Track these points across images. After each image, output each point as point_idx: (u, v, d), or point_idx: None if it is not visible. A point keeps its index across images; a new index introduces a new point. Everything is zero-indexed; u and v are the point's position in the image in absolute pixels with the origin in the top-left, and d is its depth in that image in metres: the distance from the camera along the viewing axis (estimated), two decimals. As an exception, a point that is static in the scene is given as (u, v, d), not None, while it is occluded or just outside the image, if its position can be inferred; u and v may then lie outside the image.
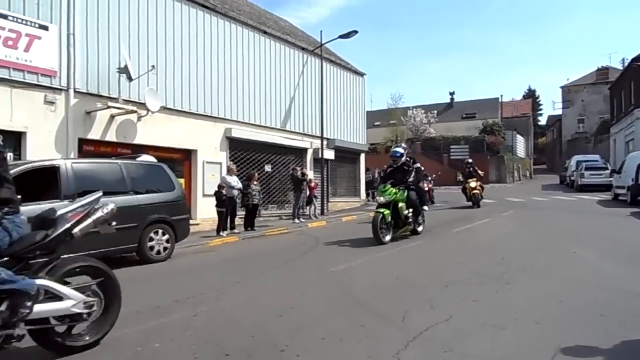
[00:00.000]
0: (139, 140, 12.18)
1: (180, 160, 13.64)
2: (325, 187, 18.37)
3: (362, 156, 22.99)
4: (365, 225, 13.58)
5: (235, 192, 12.59)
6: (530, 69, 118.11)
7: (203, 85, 14.13)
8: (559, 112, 58.02)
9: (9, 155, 9.94)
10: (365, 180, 22.97)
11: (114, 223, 4.24)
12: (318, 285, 6.30)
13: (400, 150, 10.34)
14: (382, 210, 9.34)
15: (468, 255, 8.09)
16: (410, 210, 9.94)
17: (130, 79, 11.51)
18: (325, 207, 17.88)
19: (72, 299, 3.62)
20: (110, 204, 4.11)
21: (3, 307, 3.21)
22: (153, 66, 12.20)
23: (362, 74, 22.92)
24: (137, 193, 8.60)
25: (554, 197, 22.46)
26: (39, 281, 3.45)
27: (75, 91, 10.86)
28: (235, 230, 12.55)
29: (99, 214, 3.96)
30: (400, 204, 9.68)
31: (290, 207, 16.31)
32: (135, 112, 11.83)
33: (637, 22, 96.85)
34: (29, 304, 3.31)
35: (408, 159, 10.45)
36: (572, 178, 28.72)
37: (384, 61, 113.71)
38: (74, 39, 10.80)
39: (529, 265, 6.90)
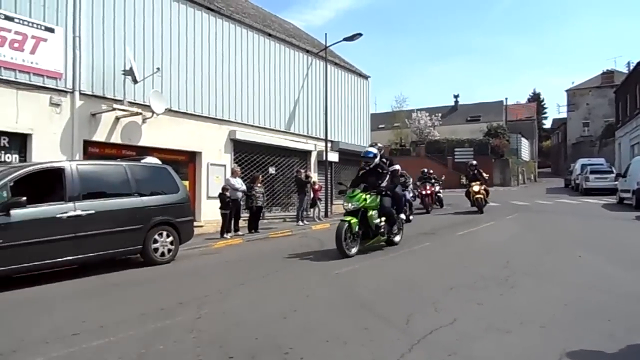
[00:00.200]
0: (143, 142, 12.21)
1: (185, 162, 13.67)
2: (329, 189, 18.37)
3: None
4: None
5: (239, 195, 12.59)
6: (535, 72, 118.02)
7: (208, 87, 14.16)
8: (564, 115, 57.83)
9: (15, 158, 10.01)
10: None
11: None
12: (322, 287, 6.28)
13: (373, 150, 9.23)
14: (348, 218, 8.31)
15: (472, 259, 8.07)
16: (383, 219, 8.85)
17: (135, 81, 11.55)
18: (329, 210, 17.88)
19: None
20: None
21: None
22: (158, 68, 12.24)
23: (366, 77, 22.92)
24: (141, 195, 8.61)
25: (558, 200, 22.36)
26: None
27: (80, 93, 10.91)
28: (239, 233, 12.55)
29: None
30: (371, 212, 8.61)
31: (294, 210, 16.31)
32: (140, 114, 11.87)
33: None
34: None
35: (384, 160, 9.41)
36: (577, 181, 28.60)
37: (388, 64, 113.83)
38: (79, 41, 10.86)
39: (534, 269, 6.88)
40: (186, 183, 12.57)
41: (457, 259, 8.11)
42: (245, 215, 13.36)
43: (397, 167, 9.76)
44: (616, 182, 20.60)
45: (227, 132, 14.76)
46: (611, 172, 25.70)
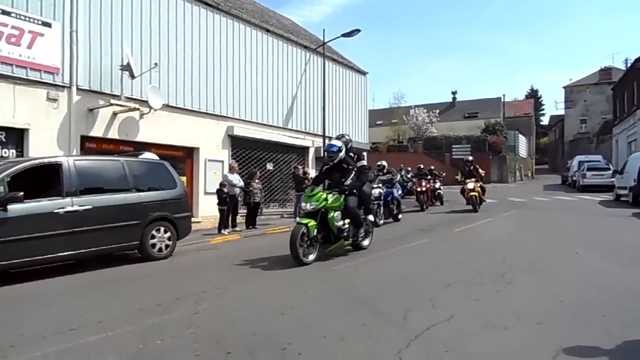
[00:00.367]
0: (141, 137, 12.19)
1: (182, 158, 13.65)
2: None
3: (364, 155, 22.95)
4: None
5: (237, 190, 12.59)
6: (532, 68, 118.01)
7: (205, 83, 14.13)
8: (562, 112, 57.97)
9: (12, 153, 9.98)
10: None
11: None
12: (320, 283, 6.30)
13: (337, 143, 8.17)
14: (305, 221, 7.42)
15: (469, 255, 8.09)
16: (347, 221, 8.03)
17: (132, 76, 11.52)
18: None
19: None
20: None
21: None
22: (155, 64, 12.20)
23: (364, 73, 22.90)
24: (139, 190, 8.60)
25: (555, 197, 22.42)
26: None
27: (77, 88, 10.87)
28: (237, 229, 12.56)
29: None
30: (333, 213, 7.75)
31: (292, 206, 16.31)
32: (138, 109, 11.84)
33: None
34: None
35: (351, 155, 8.53)
36: (574, 178, 28.68)
37: (386, 60, 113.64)
38: (76, 36, 10.81)
39: (531, 266, 6.90)
40: (184, 179, 12.56)
41: (454, 256, 8.13)
42: (242, 211, 13.36)
43: (365, 163, 8.89)
44: (613, 179, 20.66)
45: (225, 128, 14.74)
46: (608, 169, 25.77)
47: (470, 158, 17.54)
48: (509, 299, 5.12)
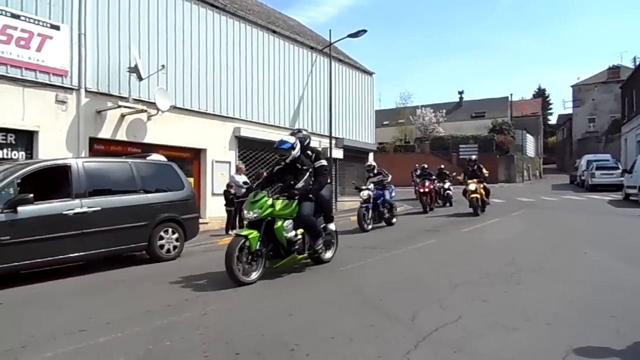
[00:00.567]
0: (149, 139, 12.24)
1: (190, 159, 13.69)
2: (333, 186, 18.36)
3: (371, 155, 22.94)
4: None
5: (244, 191, 12.60)
6: (540, 67, 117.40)
7: (212, 84, 14.17)
8: (570, 111, 57.61)
9: (21, 155, 10.06)
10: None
11: None
12: (327, 284, 6.31)
13: (289, 140, 7.03)
14: (245, 232, 6.32)
15: (478, 255, 8.07)
16: (300, 231, 6.93)
17: (140, 78, 11.57)
18: (333, 206, 17.86)
19: None
20: None
21: None
22: (163, 66, 12.25)
23: (370, 73, 22.87)
24: (147, 192, 8.64)
25: (564, 197, 22.29)
26: None
27: (86, 90, 10.94)
28: (244, 229, 12.57)
29: None
30: (281, 222, 6.61)
31: (299, 206, 16.30)
32: (145, 111, 11.89)
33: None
34: None
35: (309, 153, 7.35)
36: (583, 178, 28.51)
37: (393, 60, 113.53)
38: (85, 38, 10.87)
39: (539, 266, 6.87)
40: (191, 180, 12.59)
41: (462, 256, 8.11)
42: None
43: (324, 163, 7.41)
44: (622, 178, 20.53)
45: (232, 129, 14.77)
46: (617, 168, 25.59)
47: (474, 157, 16.54)
48: (518, 300, 5.10)
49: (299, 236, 6.88)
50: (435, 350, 3.67)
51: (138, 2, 12.09)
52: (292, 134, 7.51)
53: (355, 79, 21.60)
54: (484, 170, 15.77)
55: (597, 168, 26.13)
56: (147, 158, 9.54)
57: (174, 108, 12.65)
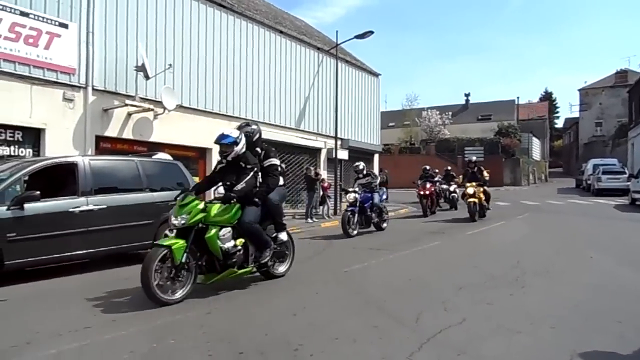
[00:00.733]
0: (155, 138, 12.29)
1: (195, 158, 13.73)
2: (338, 187, 18.35)
3: (376, 157, 22.95)
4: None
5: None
6: (547, 71, 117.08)
7: (219, 84, 14.21)
8: (576, 115, 57.39)
9: (29, 152, 10.12)
10: (379, 181, 22.89)
11: None
12: (331, 285, 6.30)
13: (232, 134, 6.07)
14: (168, 242, 5.37)
15: (482, 258, 8.05)
16: (241, 241, 5.90)
17: (147, 77, 11.62)
18: (338, 207, 17.86)
19: None
20: None
21: None
22: (170, 65, 12.30)
23: (377, 75, 22.87)
24: (152, 190, 8.65)
25: (570, 200, 22.20)
26: None
27: (93, 89, 11.00)
28: (249, 229, 12.56)
29: None
30: (215, 231, 5.59)
31: (304, 207, 16.33)
32: (152, 110, 11.94)
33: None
34: None
35: (258, 150, 6.43)
36: (589, 182, 28.39)
37: (399, 62, 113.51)
38: (92, 37, 10.94)
39: (544, 269, 6.84)
40: (196, 179, 12.60)
41: (466, 259, 8.09)
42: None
43: (275, 161, 6.37)
44: (629, 183, 20.40)
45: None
46: (624, 172, 25.45)
47: (474, 158, 15.58)
48: (523, 303, 5.08)
49: (239, 247, 5.85)
50: (439, 353, 3.66)
51: (146, 1, 12.15)
52: (239, 127, 6.55)
53: (361, 80, 21.60)
54: (485, 173, 14.99)
55: (604, 172, 26.00)
56: (153, 157, 9.57)
57: (180, 107, 12.70)
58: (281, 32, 16.86)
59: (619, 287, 5.78)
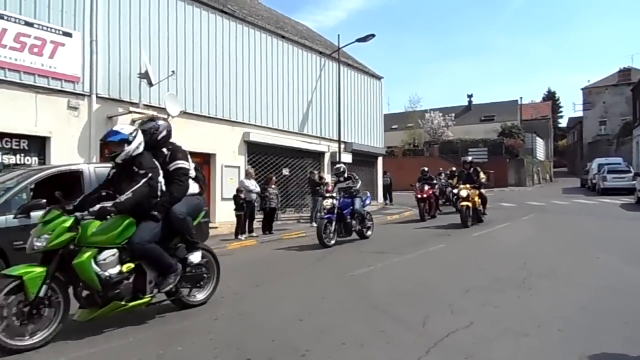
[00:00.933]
0: (159, 144, 12.31)
1: (200, 164, 13.64)
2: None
3: (380, 159, 22.95)
4: (384, 228, 13.57)
5: (254, 196, 12.65)
6: (549, 70, 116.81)
7: (222, 89, 14.26)
8: (580, 114, 57.15)
9: (34, 160, 10.17)
10: (382, 184, 22.93)
11: None
12: (337, 289, 6.30)
13: (124, 131, 4.89)
14: (19, 271, 4.20)
15: (488, 260, 8.03)
16: (129, 266, 4.69)
17: (150, 84, 11.67)
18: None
19: None
20: None
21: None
22: (173, 71, 12.36)
23: (379, 77, 22.89)
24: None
25: (575, 200, 22.11)
26: None
27: (97, 96, 11.06)
28: (254, 234, 12.61)
29: None
30: (88, 255, 4.40)
31: (308, 211, 16.34)
32: (156, 116, 11.99)
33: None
34: None
35: (165, 151, 5.27)
36: (594, 181, 28.25)
37: (402, 64, 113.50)
38: (96, 45, 11.01)
39: (551, 271, 6.82)
40: (201, 185, 12.65)
41: (472, 261, 8.08)
42: (259, 216, 13.42)
43: (183, 164, 5.20)
44: (634, 182, 20.32)
45: (241, 134, 14.84)
46: (629, 171, 25.36)
47: (469, 159, 14.39)
48: (529, 305, 5.07)
49: (126, 273, 4.65)
50: (447, 356, 3.66)
51: (148, 9, 12.21)
52: (141, 123, 5.58)
53: (363, 83, 21.63)
54: (482, 175, 13.72)
55: (609, 171, 25.89)
56: (158, 163, 9.60)
57: (184, 113, 12.74)
58: (283, 36, 16.91)
59: (626, 288, 5.75)
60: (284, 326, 4.61)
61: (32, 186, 7.26)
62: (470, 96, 52.38)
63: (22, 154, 10.05)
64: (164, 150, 5.25)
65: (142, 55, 11.72)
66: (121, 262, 4.63)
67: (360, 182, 11.78)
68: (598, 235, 10.97)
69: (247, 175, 13.13)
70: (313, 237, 11.96)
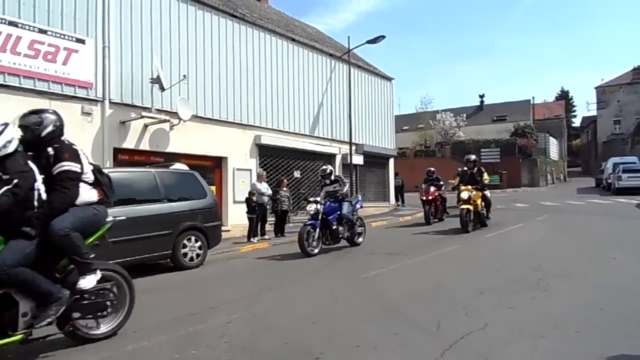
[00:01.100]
0: (171, 148, 12.42)
1: (211, 167, 13.84)
2: (354, 192, 18.34)
3: (391, 161, 22.88)
4: (395, 231, 13.53)
5: (265, 199, 12.68)
6: (562, 70, 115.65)
7: (233, 93, 14.32)
8: (594, 113, 56.48)
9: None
10: (394, 185, 22.86)
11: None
12: (350, 292, 6.28)
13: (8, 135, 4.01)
14: None
15: (502, 261, 7.95)
16: None
17: (162, 88, 11.76)
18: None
19: None
20: None
21: None
22: (184, 76, 12.44)
23: (390, 79, 22.84)
24: (170, 201, 8.76)
25: (589, 200, 21.84)
26: None
27: (110, 102, 11.17)
28: (266, 237, 12.63)
29: None
30: None
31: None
32: (168, 121, 12.08)
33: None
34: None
35: (50, 151, 4.27)
36: (609, 181, 27.89)
37: (412, 65, 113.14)
38: (109, 51, 11.12)
39: (566, 272, 6.74)
40: (213, 188, 12.72)
41: (486, 262, 8.01)
42: (271, 219, 13.45)
43: (69, 166, 4.24)
44: (650, 181, 20.03)
45: (253, 137, 14.89)
46: (645, 170, 25.01)
47: (473, 157, 12.97)
48: (545, 307, 5.00)
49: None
50: (462, 359, 3.63)
51: (159, 14, 12.32)
52: (21, 117, 4.41)
53: (374, 84, 21.59)
54: (485, 175, 12.61)
55: (624, 171, 25.55)
56: (170, 167, 9.69)
57: (196, 117, 12.82)
58: (293, 39, 16.95)
59: (644, 289, 5.66)
60: (297, 328, 4.61)
61: (47, 191, 7.33)
62: (482, 96, 52.13)
63: (37, 160, 10.17)
64: (49, 149, 4.24)
65: (154, 60, 11.82)
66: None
67: (347, 185, 10.97)
68: (614, 235, 10.81)
69: (259, 178, 13.16)
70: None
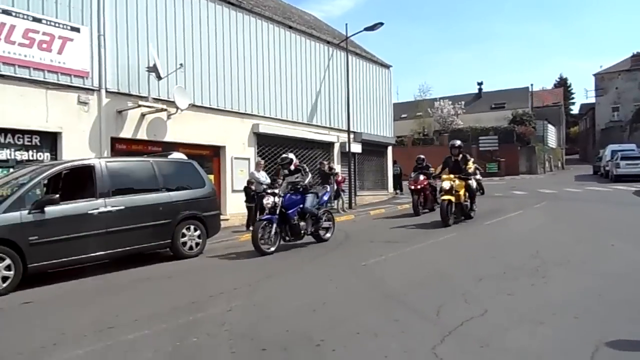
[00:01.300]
0: (169, 137, 12.36)
1: (210, 156, 13.79)
2: (352, 180, 18.33)
3: (389, 149, 22.84)
4: (393, 219, 13.55)
5: (264, 187, 12.66)
6: (560, 57, 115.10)
7: (230, 81, 14.23)
8: (592, 100, 56.33)
9: (46, 156, 10.26)
10: (392, 173, 22.86)
11: None
12: (350, 279, 6.30)
13: None
14: None
15: (501, 249, 7.98)
16: None
17: (159, 77, 11.67)
18: (353, 201, 17.85)
19: None
20: None
21: None
22: (181, 64, 12.34)
23: (388, 66, 22.72)
24: (169, 190, 8.74)
25: (588, 188, 21.89)
26: None
27: (106, 91, 11.08)
28: (265, 225, 12.62)
29: None
30: None
31: (318, 202, 16.31)
32: (165, 110, 12.01)
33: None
34: None
35: None
36: (607, 168, 27.93)
37: (410, 52, 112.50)
38: (104, 39, 11.01)
39: (565, 259, 6.76)
40: (211, 177, 12.69)
41: (485, 249, 8.03)
42: (270, 208, 13.43)
43: None
44: (648, 168, 20.07)
45: (250, 126, 14.83)
46: (643, 157, 25.04)
47: (458, 143, 11.84)
48: (544, 293, 5.03)
49: None
50: (462, 345, 3.65)
51: (155, 2, 12.19)
52: None
53: (372, 72, 21.48)
54: (470, 164, 11.49)
55: (622, 158, 25.57)
56: (168, 156, 9.65)
57: (193, 106, 12.74)
58: (290, 27, 16.82)
59: (642, 275, 5.69)
60: (298, 316, 4.63)
61: (45, 182, 7.33)
62: (480, 84, 51.80)
63: (35, 150, 10.13)
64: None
65: (150, 49, 11.72)
66: None
67: (310, 175, 9.73)
68: (612, 222, 10.86)
69: (257, 166, 13.14)
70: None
